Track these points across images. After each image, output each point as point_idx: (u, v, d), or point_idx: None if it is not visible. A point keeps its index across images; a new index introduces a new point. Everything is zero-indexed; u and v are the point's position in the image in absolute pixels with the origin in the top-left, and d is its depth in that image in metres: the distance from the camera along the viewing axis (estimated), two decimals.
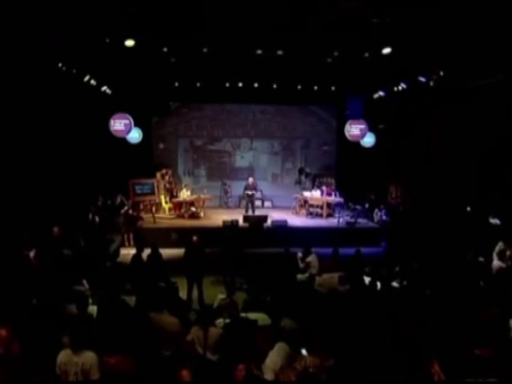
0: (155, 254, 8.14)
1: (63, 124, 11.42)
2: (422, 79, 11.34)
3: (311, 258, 8.56)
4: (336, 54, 10.49)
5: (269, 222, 12.51)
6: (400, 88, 12.79)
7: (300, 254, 8.66)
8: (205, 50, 10.17)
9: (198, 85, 14.09)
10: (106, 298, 5.73)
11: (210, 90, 14.38)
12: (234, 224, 10.55)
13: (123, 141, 14.20)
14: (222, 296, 6.34)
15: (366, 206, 14.05)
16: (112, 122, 13.60)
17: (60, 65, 10.30)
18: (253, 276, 8.51)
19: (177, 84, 14.02)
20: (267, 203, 16.11)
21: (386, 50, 9.44)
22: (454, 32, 8.45)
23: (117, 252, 9.32)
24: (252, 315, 6.09)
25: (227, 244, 9.10)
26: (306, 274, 8.25)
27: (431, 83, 11.03)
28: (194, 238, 7.88)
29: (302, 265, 8.60)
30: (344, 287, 7.53)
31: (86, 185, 12.95)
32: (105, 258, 8.53)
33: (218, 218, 13.63)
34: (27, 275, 6.81)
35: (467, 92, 10.56)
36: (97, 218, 12.68)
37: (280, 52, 10.42)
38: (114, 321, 4.61)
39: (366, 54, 10.01)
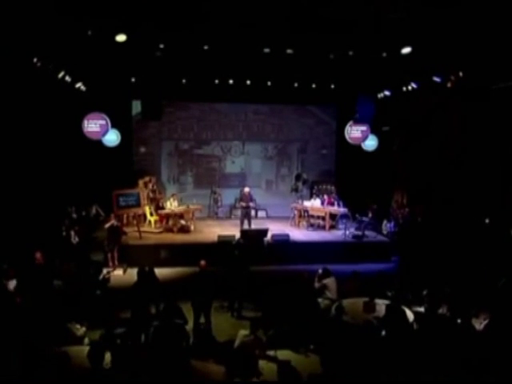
0: (153, 280, 7.77)
1: (28, 125, 10.82)
2: (437, 79, 11.36)
3: (329, 281, 8.32)
4: (347, 51, 10.37)
5: (268, 236, 12.26)
6: (410, 88, 12.82)
7: (320, 271, 8.45)
8: (193, 43, 9.84)
9: (184, 81, 13.69)
10: (117, 339, 5.36)
11: (197, 88, 14.05)
12: (239, 242, 10.25)
13: (99, 144, 13.76)
14: (244, 332, 6.03)
15: (370, 215, 13.98)
16: (85, 122, 13.22)
17: (35, 60, 9.86)
18: (264, 301, 8.23)
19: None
20: (261, 213, 15.88)
21: (406, 50, 9.37)
22: (476, 31, 8.47)
23: (101, 274, 8.79)
24: (280, 353, 5.84)
25: (233, 264, 8.78)
26: (327, 301, 8.02)
27: (448, 84, 11.05)
28: (202, 262, 7.59)
29: (317, 284, 8.38)
30: (371, 315, 7.37)
31: (57, 194, 12.41)
32: (94, 285, 8.06)
33: (210, 231, 13.38)
34: (7, 312, 6.34)
35: (488, 93, 10.60)
36: (72, 234, 12.16)
37: (279, 49, 10.23)
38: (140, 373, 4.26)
39: (384, 54, 9.90)
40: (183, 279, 10.58)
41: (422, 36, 9.05)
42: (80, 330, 6.31)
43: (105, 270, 9.49)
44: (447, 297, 7.60)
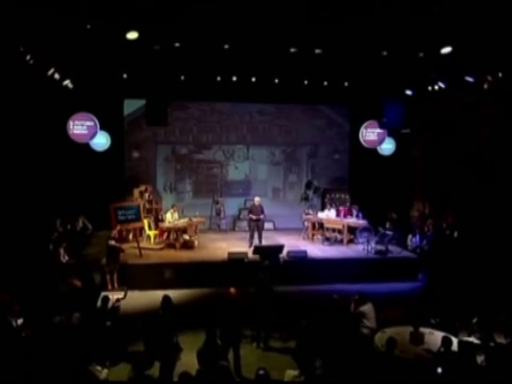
0: (172, 308, 7.60)
1: (7, 126, 10.54)
2: (470, 79, 11.41)
3: (366, 308, 8.23)
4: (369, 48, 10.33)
5: (284, 252, 12.14)
6: (436, 87, 12.87)
7: (356, 297, 8.38)
8: (193, 37, 9.64)
9: (183, 78, 13.51)
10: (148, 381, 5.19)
11: (197, 86, 13.88)
12: (265, 264, 10.12)
13: (86, 148, 13.51)
14: (293, 372, 5.93)
15: (388, 225, 14.00)
16: (71, 123, 13.09)
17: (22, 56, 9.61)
18: (298, 331, 8.08)
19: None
20: (268, 224, 15.68)
21: (446, 50, 9.37)
22: None
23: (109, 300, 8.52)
24: None
25: (259, 289, 8.64)
26: (366, 331, 7.94)
27: (485, 85, 11.12)
28: (232, 290, 7.43)
29: (355, 312, 8.33)
30: (421, 347, 7.31)
31: (40, 205, 12.12)
32: (104, 315, 7.83)
33: (216, 246, 13.29)
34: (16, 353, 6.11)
35: None
36: (62, 251, 11.85)
37: (288, 44, 10.12)
38: None
39: (421, 54, 9.91)
40: (192, 303, 10.48)
41: (461, 33, 9.06)
42: (102, 372, 6.12)
43: (110, 296, 9.22)
44: (502, 325, 7.60)
